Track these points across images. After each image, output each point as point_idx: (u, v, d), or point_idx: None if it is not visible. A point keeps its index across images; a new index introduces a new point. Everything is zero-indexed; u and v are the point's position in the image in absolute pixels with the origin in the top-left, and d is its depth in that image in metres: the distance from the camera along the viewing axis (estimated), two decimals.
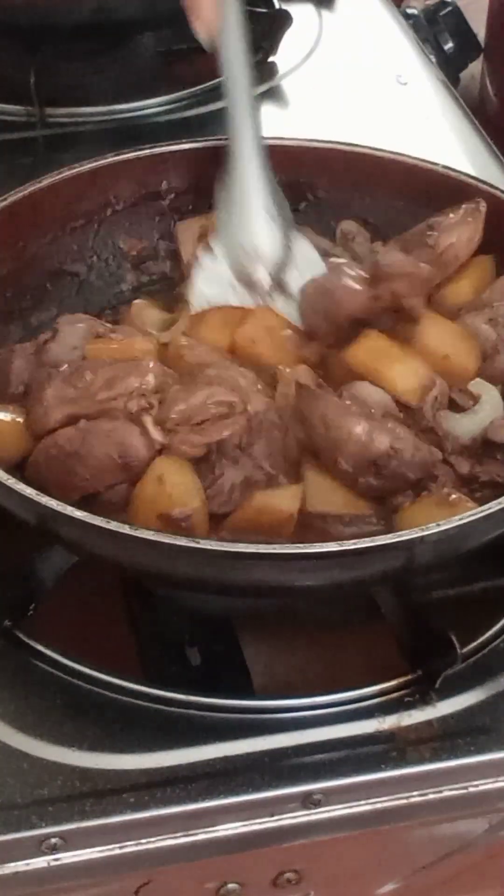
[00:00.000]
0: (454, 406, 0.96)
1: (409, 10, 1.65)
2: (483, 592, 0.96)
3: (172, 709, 0.87)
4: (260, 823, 0.83)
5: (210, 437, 0.89)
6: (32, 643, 0.91)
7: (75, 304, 1.09)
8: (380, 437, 0.88)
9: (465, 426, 0.95)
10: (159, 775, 0.83)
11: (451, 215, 1.04)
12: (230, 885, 0.88)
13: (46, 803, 0.81)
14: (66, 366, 0.93)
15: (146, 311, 1.06)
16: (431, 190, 1.08)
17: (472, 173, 1.11)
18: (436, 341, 0.99)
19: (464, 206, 1.05)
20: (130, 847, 0.82)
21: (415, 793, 0.85)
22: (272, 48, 1.50)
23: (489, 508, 0.82)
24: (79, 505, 0.82)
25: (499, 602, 0.96)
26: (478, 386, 0.97)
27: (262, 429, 0.90)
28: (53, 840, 0.80)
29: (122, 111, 1.42)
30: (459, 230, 1.03)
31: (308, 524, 0.89)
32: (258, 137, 1.03)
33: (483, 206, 1.04)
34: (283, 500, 0.88)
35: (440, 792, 0.85)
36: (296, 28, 1.51)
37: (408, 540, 0.80)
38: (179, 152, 1.11)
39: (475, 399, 0.96)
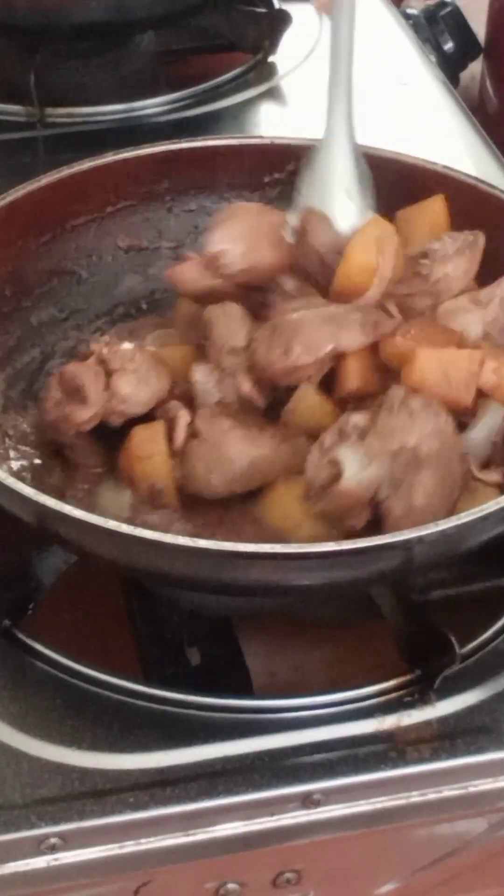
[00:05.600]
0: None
1: (409, 11, 1.65)
2: (483, 592, 0.96)
3: (172, 709, 0.87)
4: (260, 823, 0.83)
5: None
6: (32, 643, 0.91)
7: (75, 304, 1.09)
8: None
9: (478, 437, 0.92)
10: (159, 775, 0.83)
11: (448, 241, 1.00)
12: (230, 885, 0.88)
13: (46, 803, 0.81)
14: None
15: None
16: (431, 190, 1.08)
17: (472, 173, 1.10)
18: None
19: (462, 235, 1.01)
20: (130, 847, 0.82)
21: (414, 793, 0.85)
22: (272, 48, 1.50)
23: (487, 508, 0.82)
24: (79, 504, 0.83)
25: (498, 602, 0.96)
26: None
27: None
28: (53, 840, 0.80)
29: (122, 111, 1.42)
30: (455, 262, 0.99)
31: None
32: (350, 117, 1.01)
33: (482, 240, 1.01)
34: None
35: (440, 792, 0.85)
36: (296, 28, 1.50)
37: (406, 540, 0.80)
38: (179, 152, 1.11)
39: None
